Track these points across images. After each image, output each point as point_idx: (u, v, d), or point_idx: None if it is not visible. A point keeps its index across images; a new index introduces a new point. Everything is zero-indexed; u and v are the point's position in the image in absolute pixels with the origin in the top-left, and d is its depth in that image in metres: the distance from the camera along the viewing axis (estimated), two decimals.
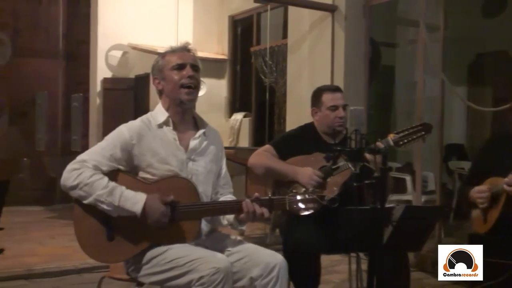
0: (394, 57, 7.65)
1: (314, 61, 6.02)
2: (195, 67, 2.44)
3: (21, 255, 4.72)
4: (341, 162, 2.78)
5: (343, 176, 2.83)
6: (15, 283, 4.14)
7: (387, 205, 2.26)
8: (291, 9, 6.44)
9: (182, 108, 2.44)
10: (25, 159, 7.78)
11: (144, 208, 2.24)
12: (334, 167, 2.82)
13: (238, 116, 7.65)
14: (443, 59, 4.95)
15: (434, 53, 4.98)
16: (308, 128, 3.18)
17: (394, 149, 2.82)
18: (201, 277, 2.12)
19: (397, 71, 7.63)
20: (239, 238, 2.49)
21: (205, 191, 2.43)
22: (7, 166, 7.72)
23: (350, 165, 2.37)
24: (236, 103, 8.05)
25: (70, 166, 2.32)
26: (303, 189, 2.41)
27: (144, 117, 2.48)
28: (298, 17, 6.28)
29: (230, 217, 2.41)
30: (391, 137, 2.72)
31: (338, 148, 2.45)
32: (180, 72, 2.40)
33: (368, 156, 2.30)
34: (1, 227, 1.86)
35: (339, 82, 5.51)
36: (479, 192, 2.72)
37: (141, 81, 7.38)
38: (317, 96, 3.13)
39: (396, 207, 2.29)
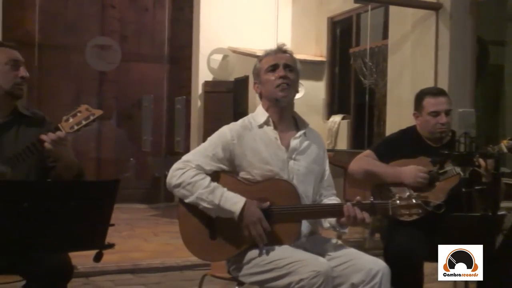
0: (504, 56, 7.23)
1: (417, 62, 5.83)
2: (289, 67, 2.44)
3: (128, 251, 4.94)
4: (449, 167, 2.66)
5: (450, 182, 2.70)
6: (122, 276, 4.35)
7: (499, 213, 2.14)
8: (393, 9, 6.28)
9: (279, 106, 2.45)
10: (131, 159, 8.15)
11: (242, 210, 2.27)
12: (441, 171, 2.70)
13: (336, 118, 7.57)
14: None
15: None
16: (410, 132, 3.08)
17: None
18: (300, 280, 2.11)
19: (507, 70, 7.21)
20: (339, 242, 2.46)
21: (305, 191, 2.42)
22: (116, 166, 8.14)
23: (458, 170, 2.27)
24: (334, 105, 7.97)
25: (175, 165, 2.40)
26: (407, 193, 2.33)
27: (245, 118, 2.53)
28: (400, 16, 6.11)
29: (332, 219, 2.38)
30: (504, 144, 2.57)
31: (446, 152, 2.34)
32: (273, 73, 2.43)
33: (481, 161, 2.19)
34: (112, 223, 1.95)
35: (443, 83, 5.31)
36: None
37: (240, 84, 7.50)
38: (418, 100, 3.02)
39: (508, 215, 2.17)
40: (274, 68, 2.44)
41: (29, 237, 1.78)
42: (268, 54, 2.50)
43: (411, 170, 2.77)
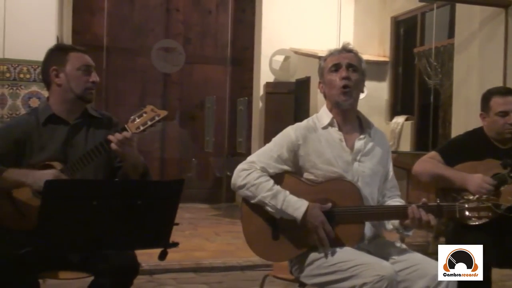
0: None
1: (484, 61, 5.64)
2: (352, 67, 2.40)
3: (190, 250, 5.02)
4: None
5: None
6: (184, 275, 4.43)
7: None
8: (459, 7, 6.10)
9: (341, 109, 2.43)
10: (194, 159, 8.27)
11: (305, 214, 2.26)
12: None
13: (400, 119, 7.42)
14: None
15: None
16: (477, 134, 2.99)
17: None
18: (364, 284, 2.08)
19: None
20: (403, 246, 2.41)
21: (371, 193, 2.39)
22: (179, 166, 8.29)
23: None
24: (397, 106, 7.81)
25: (240, 166, 2.41)
26: (476, 195, 2.26)
27: (310, 119, 2.51)
28: (467, 14, 5.93)
29: (395, 221, 2.34)
30: None
31: None
32: (336, 74, 2.40)
33: None
34: (177, 223, 1.99)
35: None
36: None
37: (302, 85, 7.47)
38: (485, 100, 2.94)
39: None
40: (336, 68, 2.41)
41: (99, 234, 1.84)
42: (332, 53, 2.47)
43: (478, 178, 2.70)
